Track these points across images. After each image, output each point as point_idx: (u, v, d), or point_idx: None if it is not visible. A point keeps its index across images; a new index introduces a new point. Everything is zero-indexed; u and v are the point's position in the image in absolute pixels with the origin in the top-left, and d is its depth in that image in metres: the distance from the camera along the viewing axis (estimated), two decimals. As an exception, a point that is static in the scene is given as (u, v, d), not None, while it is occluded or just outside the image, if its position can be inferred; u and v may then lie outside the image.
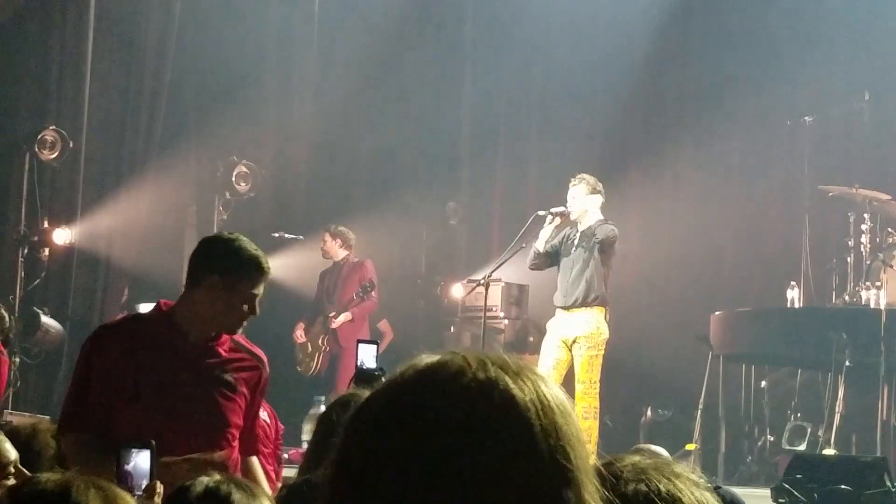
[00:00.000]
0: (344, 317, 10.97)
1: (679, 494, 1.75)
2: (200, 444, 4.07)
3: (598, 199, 8.79)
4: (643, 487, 1.77)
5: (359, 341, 4.52)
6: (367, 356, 4.36)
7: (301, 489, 3.42)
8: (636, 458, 1.85)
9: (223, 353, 4.21)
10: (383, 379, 4.13)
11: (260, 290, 4.16)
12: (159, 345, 4.16)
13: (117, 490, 1.89)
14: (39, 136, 10.58)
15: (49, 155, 10.63)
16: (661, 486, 1.76)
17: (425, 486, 1.26)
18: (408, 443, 1.28)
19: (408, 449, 1.27)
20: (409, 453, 1.27)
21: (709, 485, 1.85)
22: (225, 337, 4.22)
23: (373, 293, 10.99)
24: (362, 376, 4.27)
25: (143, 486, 3.37)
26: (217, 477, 2.69)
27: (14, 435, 3.88)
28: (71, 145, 10.69)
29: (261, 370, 4.28)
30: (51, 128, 10.66)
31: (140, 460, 3.40)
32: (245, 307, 4.14)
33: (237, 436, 4.22)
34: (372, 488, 1.28)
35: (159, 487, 3.39)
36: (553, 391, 1.34)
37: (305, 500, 3.18)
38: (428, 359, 1.35)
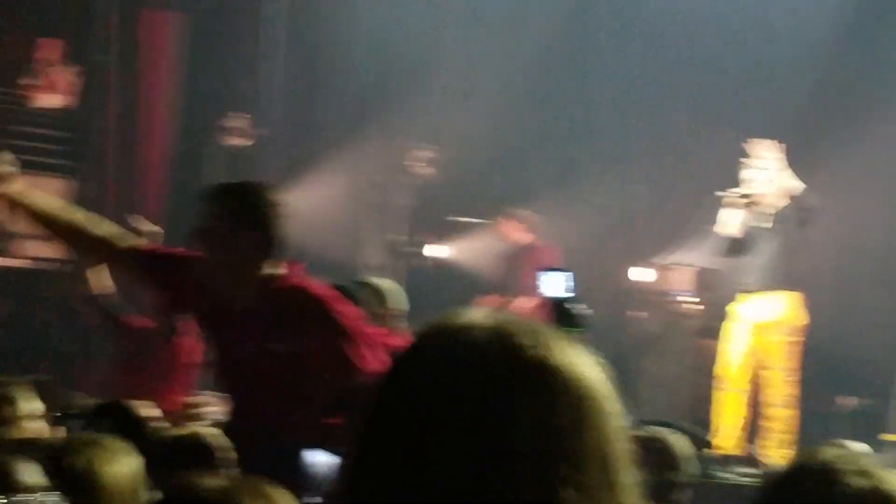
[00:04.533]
0: (524, 301, 10.93)
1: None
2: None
3: (788, 179, 8.51)
4: (866, 483, 1.70)
5: (540, 269, 4.09)
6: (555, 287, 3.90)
7: None
8: (841, 450, 1.79)
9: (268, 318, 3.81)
10: (568, 307, 3.80)
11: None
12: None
13: (281, 494, 1.85)
14: (230, 124, 10.83)
15: (239, 142, 10.88)
16: (885, 484, 1.69)
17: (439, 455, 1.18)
18: (421, 409, 1.20)
19: (421, 415, 1.20)
20: (422, 419, 1.20)
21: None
22: (268, 295, 3.80)
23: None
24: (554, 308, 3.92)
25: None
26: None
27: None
28: (260, 132, 10.92)
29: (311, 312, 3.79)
30: (241, 115, 10.91)
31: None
32: None
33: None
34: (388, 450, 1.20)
35: None
36: (589, 372, 1.24)
37: None
38: (455, 320, 1.26)
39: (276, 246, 3.82)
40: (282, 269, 3.85)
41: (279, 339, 3.74)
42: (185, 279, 3.92)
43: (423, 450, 1.18)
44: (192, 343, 7.52)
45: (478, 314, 1.27)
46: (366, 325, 3.90)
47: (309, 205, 11.38)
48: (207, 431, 4.10)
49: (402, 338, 5.37)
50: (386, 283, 5.71)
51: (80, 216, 4.14)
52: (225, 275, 3.81)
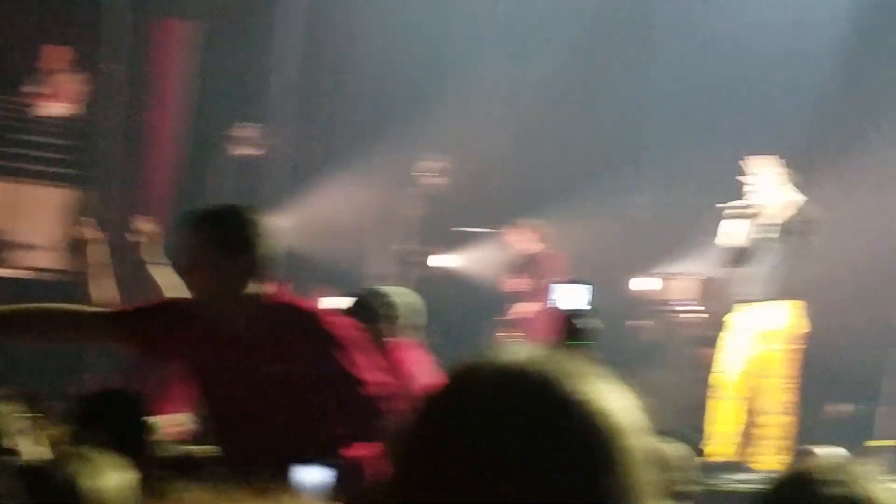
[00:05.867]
0: (528, 307, 10.96)
1: (876, 499, 1.70)
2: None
3: (789, 191, 8.54)
4: (840, 490, 1.72)
5: (556, 281, 3.97)
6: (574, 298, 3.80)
7: None
8: (823, 459, 1.82)
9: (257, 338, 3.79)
10: (581, 321, 3.57)
11: None
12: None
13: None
14: (239, 134, 10.92)
15: (248, 152, 10.96)
16: (859, 490, 1.73)
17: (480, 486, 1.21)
18: (469, 443, 1.23)
19: (469, 449, 1.23)
20: (470, 454, 1.23)
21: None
22: (257, 316, 3.79)
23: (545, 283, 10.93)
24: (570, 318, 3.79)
25: None
26: None
27: None
28: (270, 143, 10.99)
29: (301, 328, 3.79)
30: (250, 125, 10.99)
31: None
32: None
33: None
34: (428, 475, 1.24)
35: None
36: (621, 407, 1.29)
37: None
38: (488, 358, 1.30)
39: (263, 267, 3.77)
40: (268, 289, 3.82)
41: (273, 360, 3.72)
42: (170, 323, 3.92)
43: (450, 486, 1.22)
44: None
45: (510, 351, 1.29)
46: (359, 333, 3.87)
47: (317, 215, 11.43)
48: (204, 449, 4.10)
49: (411, 348, 5.38)
50: (401, 293, 5.72)
51: (41, 307, 4.12)
52: (214, 302, 3.79)
